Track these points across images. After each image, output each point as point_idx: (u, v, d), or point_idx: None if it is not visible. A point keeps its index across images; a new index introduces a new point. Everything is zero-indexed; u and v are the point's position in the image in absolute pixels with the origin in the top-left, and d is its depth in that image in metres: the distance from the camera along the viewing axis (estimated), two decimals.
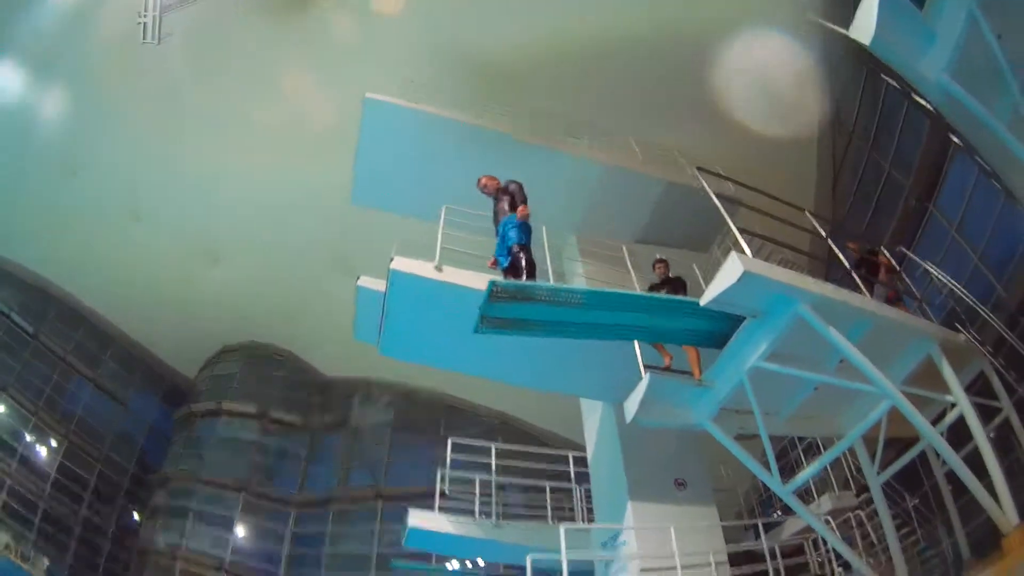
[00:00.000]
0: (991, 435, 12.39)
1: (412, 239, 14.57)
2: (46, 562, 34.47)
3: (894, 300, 14.90)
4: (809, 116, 25.35)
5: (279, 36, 29.29)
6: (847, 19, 10.18)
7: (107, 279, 38.57)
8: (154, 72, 30.21)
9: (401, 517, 19.46)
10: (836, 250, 14.31)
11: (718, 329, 12.20)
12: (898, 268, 16.52)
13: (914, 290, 15.80)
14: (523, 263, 12.22)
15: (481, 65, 26.20)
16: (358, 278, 16.22)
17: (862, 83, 23.65)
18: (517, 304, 11.50)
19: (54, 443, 37.93)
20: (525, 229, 12.75)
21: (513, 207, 13.00)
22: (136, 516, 40.33)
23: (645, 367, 12.80)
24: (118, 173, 34.45)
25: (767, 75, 23.76)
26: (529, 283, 11.82)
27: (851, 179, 25.21)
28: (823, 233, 14.54)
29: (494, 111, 21.21)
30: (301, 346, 41.86)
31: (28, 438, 37.11)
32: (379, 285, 14.55)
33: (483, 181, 13.72)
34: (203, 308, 38.54)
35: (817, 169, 26.81)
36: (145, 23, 27.80)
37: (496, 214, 13.32)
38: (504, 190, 13.41)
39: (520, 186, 13.36)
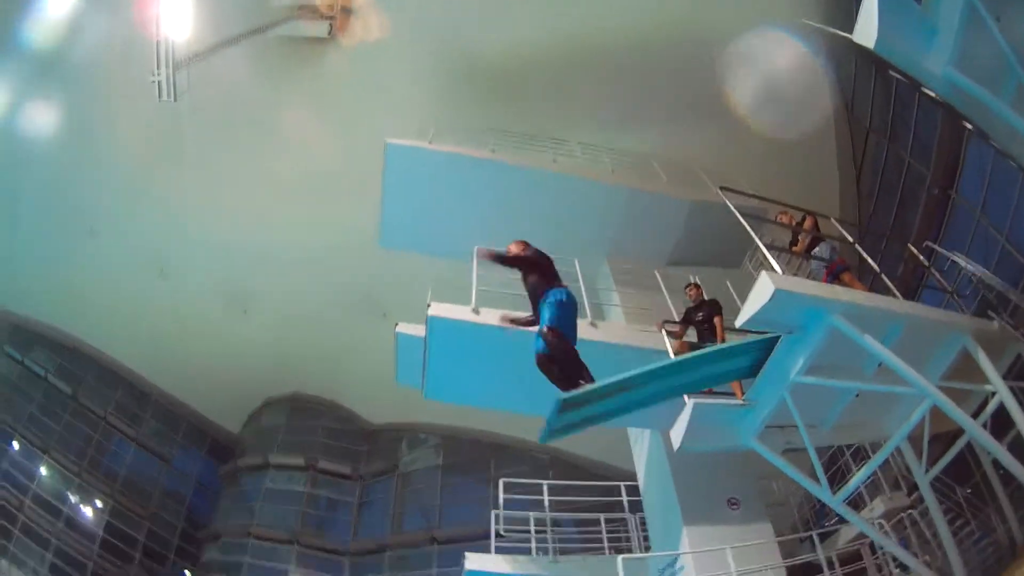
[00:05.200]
0: None
1: (442, 276, 15.05)
2: None
3: (836, 269, 14.64)
4: (824, 115, 25.65)
5: (291, 85, 30.09)
6: (849, 14, 10.43)
7: (141, 337, 39.16)
8: (172, 128, 30.86)
9: (457, 560, 19.66)
10: (864, 254, 14.59)
11: (763, 357, 12.41)
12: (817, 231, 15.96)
13: (943, 282, 15.77)
14: (559, 350, 10.68)
15: (489, 74, 26.86)
16: (396, 325, 16.29)
17: (873, 78, 23.88)
18: (585, 408, 11.51)
19: (99, 503, 38.17)
20: (559, 307, 10.97)
21: (544, 278, 11.44)
22: (188, 574, 40.29)
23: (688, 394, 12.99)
24: (142, 231, 35.14)
25: (776, 77, 24.14)
26: (595, 387, 10.93)
27: (873, 175, 25.39)
28: (850, 239, 14.89)
29: (511, 140, 21.30)
30: (344, 394, 41.68)
31: (73, 499, 37.43)
32: (418, 330, 14.95)
33: (512, 250, 11.76)
34: (241, 361, 38.75)
35: (839, 169, 26.92)
36: (159, 81, 27.97)
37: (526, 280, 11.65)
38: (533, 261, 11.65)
39: (550, 260, 11.80)
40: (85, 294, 37.38)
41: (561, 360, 10.73)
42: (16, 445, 37.27)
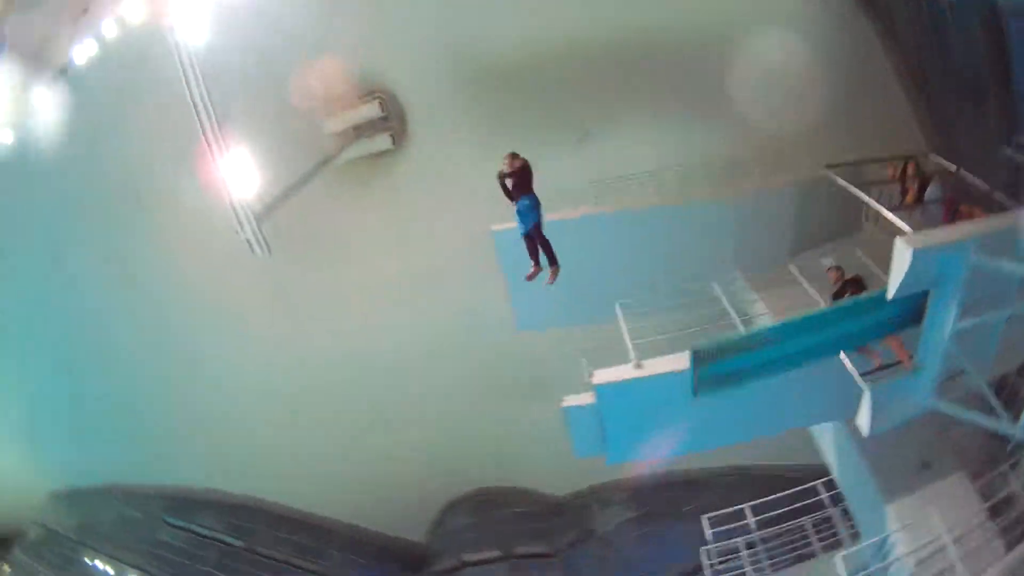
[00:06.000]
0: None
1: (589, 338, 15.58)
2: None
3: (953, 205, 14.86)
4: (875, 57, 25.48)
5: (369, 200, 31.07)
6: None
7: (301, 474, 39.91)
8: (269, 269, 31.74)
9: None
10: (972, 178, 14.99)
11: (908, 309, 12.60)
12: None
13: None
14: (537, 247, 14.25)
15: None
16: (561, 402, 16.14)
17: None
18: (721, 361, 12.30)
19: None
20: (523, 215, 14.26)
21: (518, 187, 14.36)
22: None
23: (862, 377, 13.27)
24: (268, 374, 36.36)
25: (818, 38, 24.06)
26: (726, 338, 12.59)
27: (939, 96, 25.06)
28: (951, 168, 15.41)
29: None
30: (523, 476, 40.80)
31: None
32: (582, 400, 15.22)
33: (514, 165, 14.51)
34: (408, 470, 38.68)
35: (910, 104, 26.42)
36: (248, 239, 28.91)
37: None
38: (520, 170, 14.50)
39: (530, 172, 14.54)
40: (230, 450, 39.02)
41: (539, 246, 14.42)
42: None
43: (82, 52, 30.76)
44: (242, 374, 36.78)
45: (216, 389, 37.47)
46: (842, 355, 13.93)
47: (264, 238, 28.87)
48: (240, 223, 28.65)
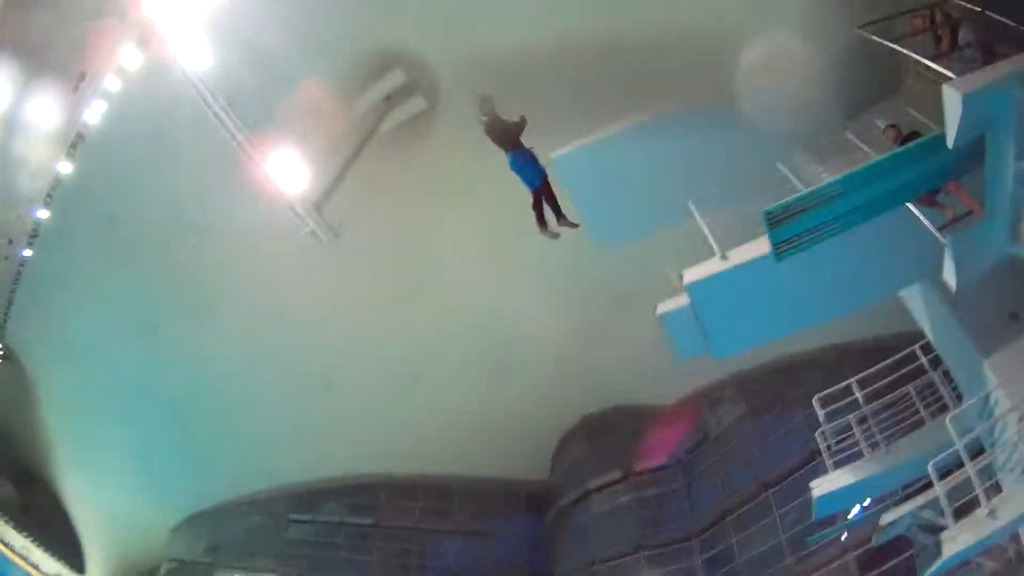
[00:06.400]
0: None
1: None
2: None
3: (986, 47, 14.45)
4: None
5: (421, 165, 31.34)
6: None
7: (419, 442, 41.26)
8: (336, 259, 32.98)
9: (791, 496, 19.84)
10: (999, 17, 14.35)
11: (967, 155, 12.77)
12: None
13: None
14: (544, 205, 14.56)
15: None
16: (655, 309, 16.27)
17: None
18: (795, 220, 12.77)
19: None
20: (525, 170, 14.78)
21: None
22: None
23: (938, 231, 13.47)
24: (386, 349, 37.74)
25: None
26: (795, 196, 12.93)
27: None
28: (978, 8, 14.84)
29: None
30: (627, 394, 40.99)
31: None
32: (676, 304, 15.47)
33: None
34: (523, 415, 39.88)
35: None
36: (312, 230, 30.12)
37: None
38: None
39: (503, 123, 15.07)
40: (339, 435, 40.58)
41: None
42: None
43: (94, 114, 31.43)
44: (338, 359, 38.23)
45: (314, 381, 39.01)
46: (917, 211, 14.01)
47: (327, 225, 30.10)
48: (301, 218, 29.82)
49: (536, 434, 42.28)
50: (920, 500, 19.09)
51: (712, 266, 14.66)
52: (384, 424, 40.05)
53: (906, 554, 24.18)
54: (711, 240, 14.79)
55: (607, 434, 42.18)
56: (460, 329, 36.43)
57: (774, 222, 12.65)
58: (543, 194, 15.02)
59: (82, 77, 31.29)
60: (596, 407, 42.33)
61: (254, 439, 41.29)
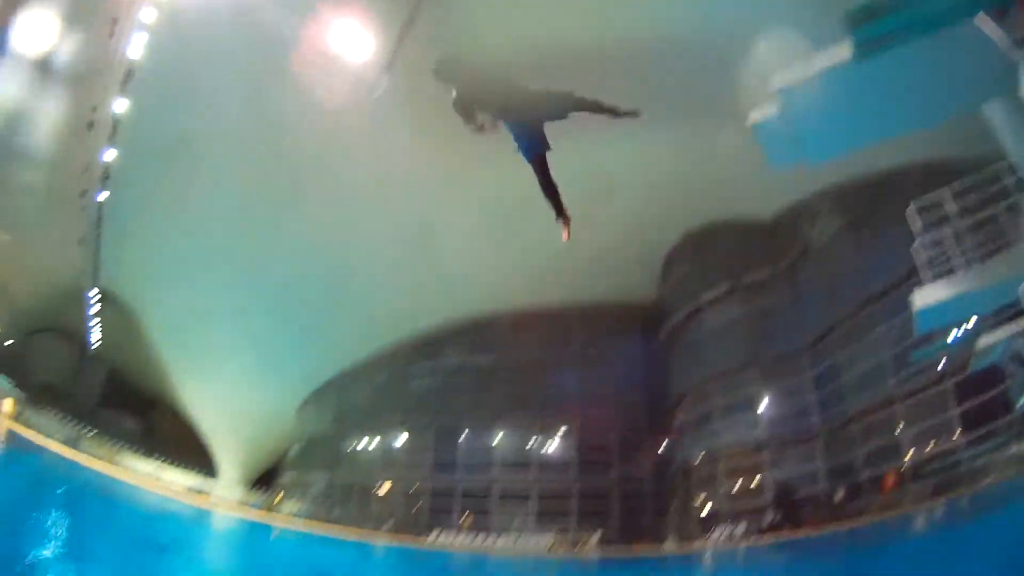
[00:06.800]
0: None
1: None
2: (596, 535, 38.69)
3: None
4: None
5: None
6: None
7: (526, 274, 42.17)
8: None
9: (899, 307, 19.84)
10: None
11: None
12: None
13: None
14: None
15: None
16: (748, 120, 15.93)
17: None
18: (875, 21, 12.75)
19: (564, 438, 43.67)
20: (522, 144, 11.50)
21: None
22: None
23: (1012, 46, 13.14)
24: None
25: None
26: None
27: None
28: None
29: None
30: (727, 206, 40.34)
31: (534, 444, 42.72)
32: (768, 110, 15.40)
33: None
34: (627, 239, 40.17)
35: None
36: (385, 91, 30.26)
37: None
38: None
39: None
40: (448, 277, 42.35)
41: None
42: (465, 434, 43.90)
43: (136, 49, 32.72)
44: (434, 203, 39.40)
45: (415, 228, 40.26)
46: (989, 25, 13.43)
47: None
48: (373, 83, 30.31)
49: (641, 254, 42.91)
50: (1015, 327, 19.26)
51: (802, 70, 14.60)
52: (489, 258, 41.17)
53: (1001, 386, 24.99)
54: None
55: (710, 250, 42.36)
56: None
57: (855, 21, 12.68)
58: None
59: (114, 22, 32.31)
60: (698, 223, 42.24)
61: (363, 301, 43.64)
